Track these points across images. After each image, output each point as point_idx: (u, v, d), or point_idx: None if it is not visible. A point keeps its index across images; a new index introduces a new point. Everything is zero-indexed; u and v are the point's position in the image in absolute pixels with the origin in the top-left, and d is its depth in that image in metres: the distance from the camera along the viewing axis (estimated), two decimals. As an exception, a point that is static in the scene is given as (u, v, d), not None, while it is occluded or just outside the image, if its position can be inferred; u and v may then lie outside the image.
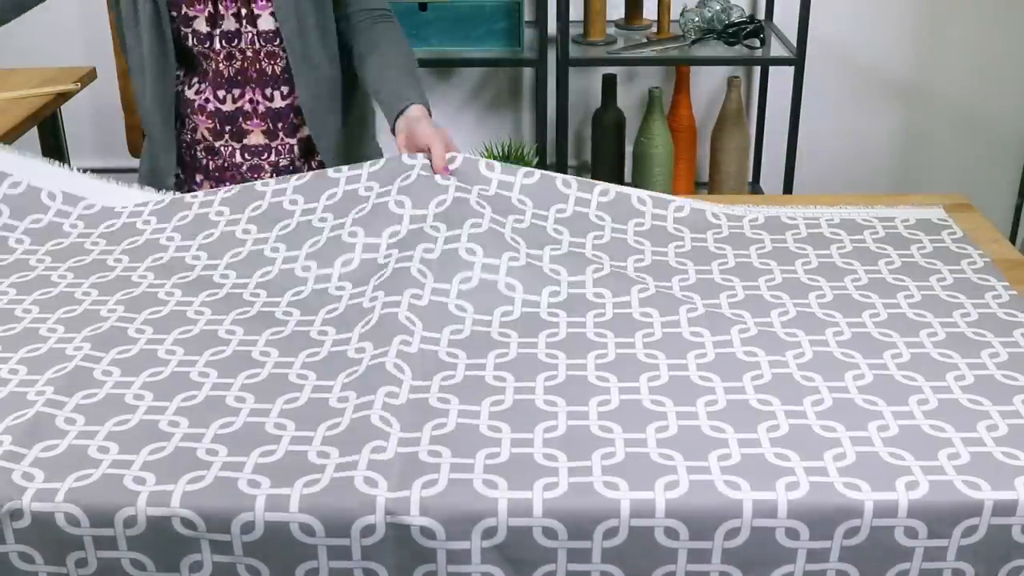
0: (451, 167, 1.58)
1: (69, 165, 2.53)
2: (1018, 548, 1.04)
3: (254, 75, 1.81)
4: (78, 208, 1.63)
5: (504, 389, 1.19)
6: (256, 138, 1.86)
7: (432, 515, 1.01)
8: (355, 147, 1.92)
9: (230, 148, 1.86)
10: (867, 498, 1.02)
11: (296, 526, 1.01)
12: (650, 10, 2.91)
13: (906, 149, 3.14)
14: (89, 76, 2.48)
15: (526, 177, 1.60)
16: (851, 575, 1.04)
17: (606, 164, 2.93)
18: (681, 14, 2.81)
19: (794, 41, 2.72)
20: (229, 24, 1.76)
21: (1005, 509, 1.02)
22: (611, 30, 2.90)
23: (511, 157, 2.86)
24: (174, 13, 1.75)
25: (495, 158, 2.86)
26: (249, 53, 1.79)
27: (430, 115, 1.74)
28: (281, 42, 1.79)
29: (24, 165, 1.65)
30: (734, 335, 1.31)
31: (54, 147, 2.49)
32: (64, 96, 2.37)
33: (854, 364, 1.24)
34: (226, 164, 1.87)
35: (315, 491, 1.02)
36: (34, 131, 2.36)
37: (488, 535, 1.01)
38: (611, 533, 1.01)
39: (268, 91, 1.83)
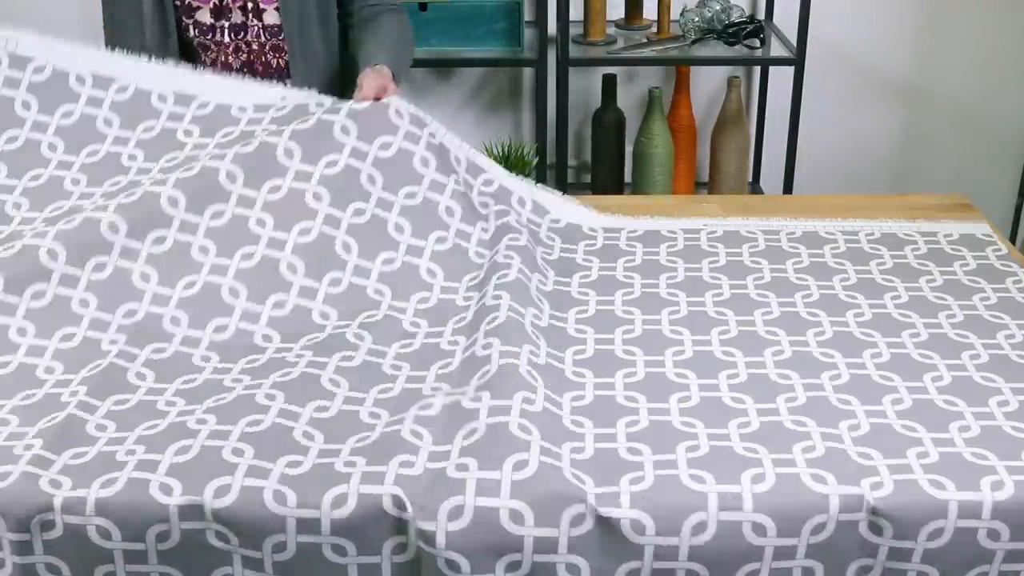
0: (390, 107, 1.55)
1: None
2: (984, 554, 1.03)
3: (260, 68, 1.83)
4: (110, 93, 1.56)
5: (534, 399, 1.15)
6: None
7: (458, 549, 0.99)
8: None
9: None
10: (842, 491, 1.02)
11: (328, 547, 1.00)
12: (650, 10, 2.91)
13: (906, 149, 3.14)
14: (89, 76, 2.48)
15: (553, 221, 1.59)
16: (818, 572, 1.03)
17: (606, 164, 2.93)
18: (681, 14, 2.81)
19: (794, 41, 2.71)
20: (236, 17, 1.77)
21: (971, 511, 1.02)
22: (611, 30, 2.90)
23: (511, 157, 2.86)
24: (177, 3, 1.75)
25: (495, 158, 2.86)
26: (255, 46, 1.80)
27: (396, 79, 1.72)
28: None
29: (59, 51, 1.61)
30: (767, 356, 1.28)
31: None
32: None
33: (892, 387, 1.21)
34: None
35: (345, 515, 1.00)
36: (34, 131, 2.37)
37: (512, 568, 1.01)
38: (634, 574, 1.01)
39: (271, 84, 1.83)
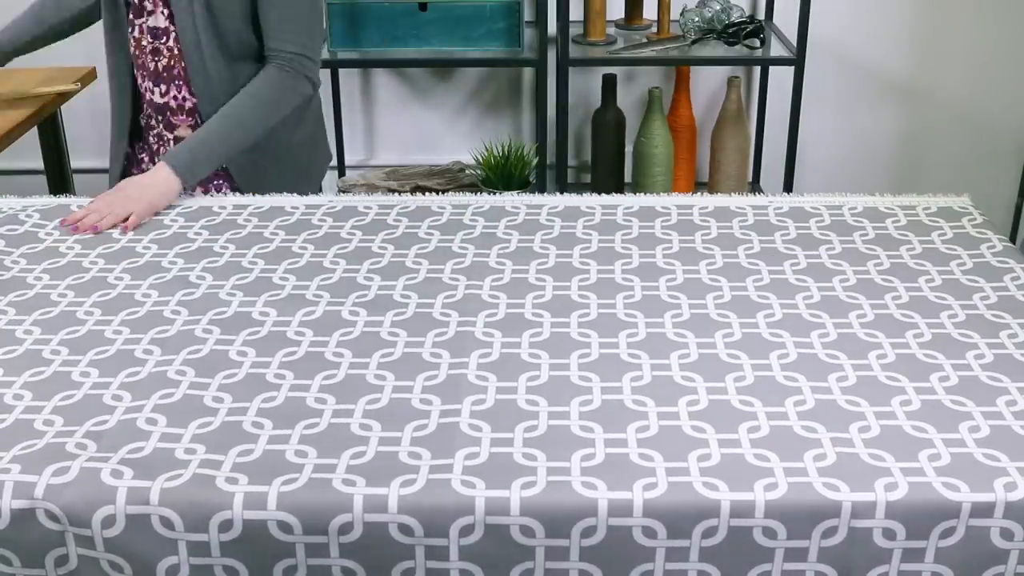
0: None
1: (69, 165, 2.56)
2: (997, 553, 1.04)
3: (179, 72, 1.83)
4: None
5: (537, 413, 1.17)
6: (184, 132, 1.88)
7: (532, 515, 1.02)
8: (261, 154, 1.91)
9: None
10: (845, 499, 1.02)
11: (395, 527, 1.03)
12: (650, 10, 2.91)
13: (906, 149, 3.14)
14: (89, 76, 2.48)
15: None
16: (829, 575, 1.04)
17: (606, 164, 2.93)
18: (681, 14, 2.81)
19: (794, 41, 2.71)
20: (159, 20, 1.79)
21: (984, 511, 1.02)
22: (611, 30, 2.90)
23: (511, 157, 2.87)
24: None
25: (495, 158, 2.87)
26: (176, 51, 1.81)
27: (184, 182, 1.73)
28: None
29: None
30: (759, 318, 1.35)
31: (54, 147, 2.49)
32: (64, 96, 2.38)
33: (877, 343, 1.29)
34: None
35: (412, 491, 1.03)
36: (34, 131, 2.37)
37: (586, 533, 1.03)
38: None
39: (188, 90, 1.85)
